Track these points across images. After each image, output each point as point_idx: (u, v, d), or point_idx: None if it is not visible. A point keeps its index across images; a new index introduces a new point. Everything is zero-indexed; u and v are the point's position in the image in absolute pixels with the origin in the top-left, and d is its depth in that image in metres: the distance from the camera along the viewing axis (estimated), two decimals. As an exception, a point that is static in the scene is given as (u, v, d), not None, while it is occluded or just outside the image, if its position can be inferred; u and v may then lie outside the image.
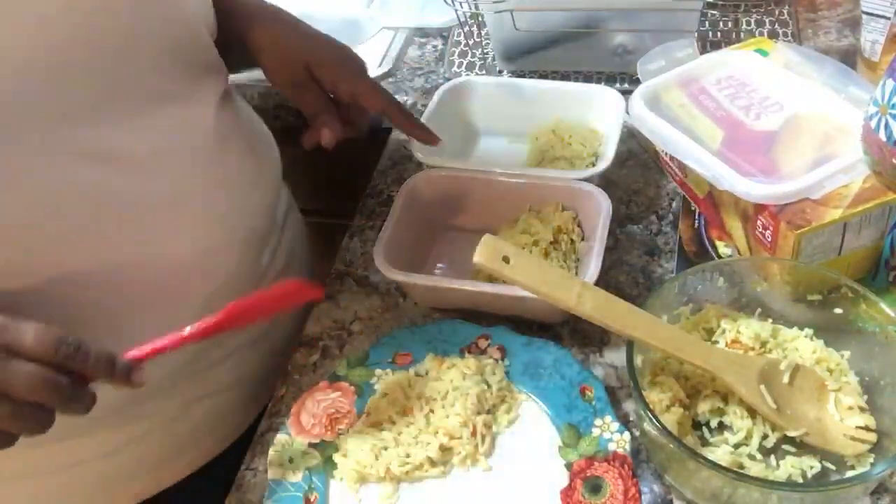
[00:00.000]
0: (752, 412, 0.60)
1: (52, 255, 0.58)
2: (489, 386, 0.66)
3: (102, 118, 0.59)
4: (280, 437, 0.65)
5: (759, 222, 0.67)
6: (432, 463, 0.63)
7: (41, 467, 0.68)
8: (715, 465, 0.53)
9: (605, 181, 0.79)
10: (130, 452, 0.72)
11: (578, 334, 0.72)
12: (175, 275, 0.65)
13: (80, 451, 0.69)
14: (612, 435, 0.62)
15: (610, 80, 0.99)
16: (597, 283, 0.63)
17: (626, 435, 0.62)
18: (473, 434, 0.64)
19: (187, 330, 0.55)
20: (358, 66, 0.77)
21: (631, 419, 0.65)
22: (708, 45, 1.01)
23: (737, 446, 0.59)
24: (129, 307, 0.63)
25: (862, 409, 0.60)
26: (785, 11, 1.05)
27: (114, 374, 0.52)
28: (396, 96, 1.04)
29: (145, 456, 0.73)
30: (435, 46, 1.12)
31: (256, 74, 0.78)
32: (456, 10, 0.94)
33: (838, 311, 0.62)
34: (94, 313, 0.62)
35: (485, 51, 1.05)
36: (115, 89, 0.60)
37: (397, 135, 0.98)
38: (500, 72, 1.03)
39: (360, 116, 0.78)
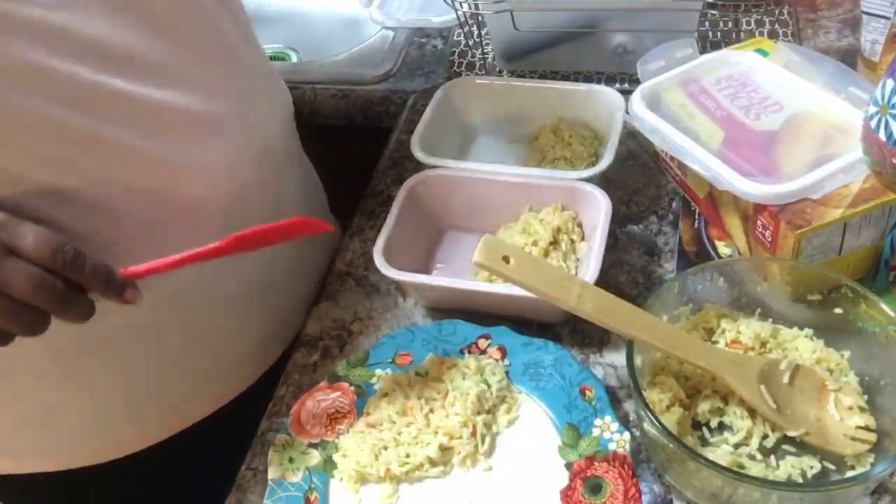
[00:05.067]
0: (752, 412, 0.60)
1: (74, 161, 0.58)
2: (489, 386, 0.66)
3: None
4: (280, 437, 0.65)
5: (759, 222, 0.67)
6: (432, 463, 0.63)
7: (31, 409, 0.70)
8: (715, 465, 0.53)
9: (605, 181, 0.79)
10: (129, 394, 0.72)
11: (578, 334, 0.72)
12: (192, 188, 0.65)
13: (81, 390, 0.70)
14: (612, 435, 0.62)
15: (610, 80, 0.99)
16: (597, 283, 0.63)
17: (626, 435, 0.62)
18: (473, 434, 0.64)
19: (186, 252, 0.55)
20: None
21: (631, 419, 0.65)
22: (708, 45, 1.01)
23: (737, 446, 0.59)
24: (143, 223, 0.64)
25: (862, 409, 0.60)
26: (785, 11, 1.05)
27: (108, 288, 0.53)
28: (396, 96, 1.05)
29: (141, 397, 0.74)
30: (435, 46, 1.12)
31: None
32: (456, 10, 0.94)
33: (838, 311, 0.62)
34: (107, 226, 0.62)
35: (485, 51, 1.05)
36: None
37: (397, 135, 0.98)
38: (500, 72, 1.03)
39: None
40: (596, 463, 0.61)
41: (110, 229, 0.62)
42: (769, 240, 0.66)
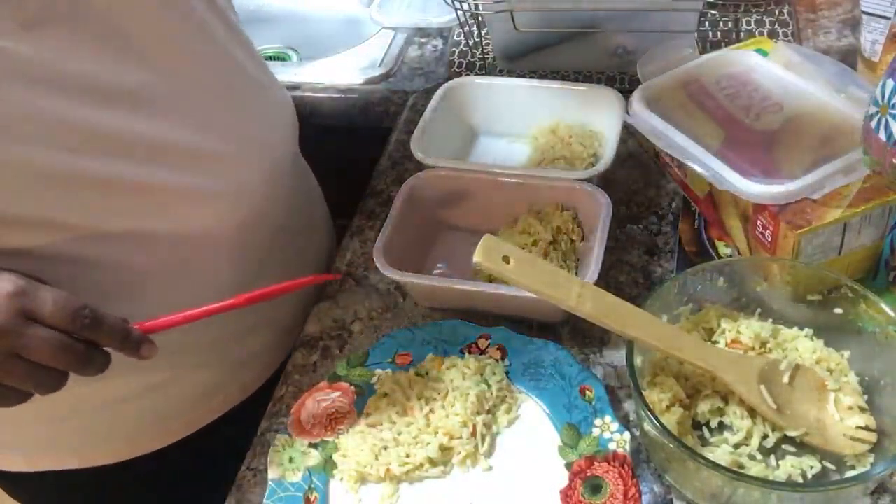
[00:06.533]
0: (752, 412, 0.60)
1: (85, 208, 0.60)
2: (489, 386, 0.66)
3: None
4: (280, 437, 0.65)
5: (759, 222, 0.67)
6: (432, 463, 0.63)
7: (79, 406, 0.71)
8: (715, 465, 0.53)
9: (605, 181, 0.79)
10: (167, 392, 0.74)
11: (578, 334, 0.72)
12: (201, 221, 0.66)
13: (117, 390, 0.71)
14: (612, 435, 0.62)
15: (610, 80, 0.99)
16: (597, 283, 0.63)
17: (626, 435, 0.62)
18: (473, 434, 0.64)
19: (202, 308, 0.59)
20: None
21: (631, 419, 0.65)
22: (708, 45, 1.01)
23: (737, 446, 0.59)
24: (157, 258, 0.65)
25: (862, 409, 0.60)
26: (785, 11, 1.05)
27: (124, 347, 0.55)
28: (396, 96, 1.05)
29: (180, 396, 0.75)
30: (435, 46, 1.12)
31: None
32: (456, 10, 0.94)
33: (838, 311, 0.62)
34: (122, 267, 0.63)
35: (485, 51, 1.05)
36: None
37: (397, 135, 0.98)
38: (500, 72, 1.03)
39: None
40: (596, 463, 0.61)
41: (124, 273, 0.63)
42: (769, 240, 0.66)
